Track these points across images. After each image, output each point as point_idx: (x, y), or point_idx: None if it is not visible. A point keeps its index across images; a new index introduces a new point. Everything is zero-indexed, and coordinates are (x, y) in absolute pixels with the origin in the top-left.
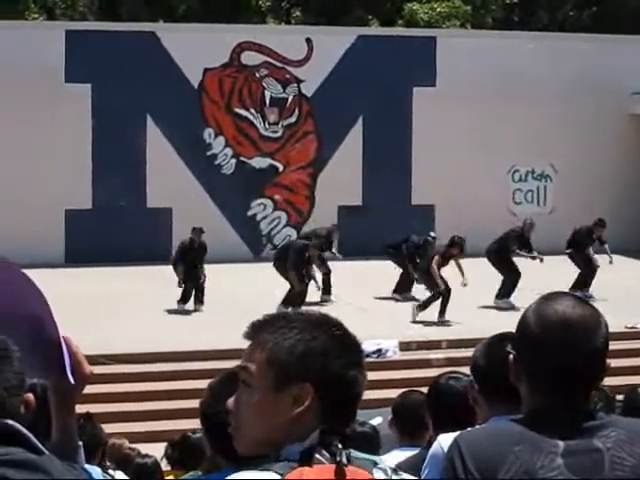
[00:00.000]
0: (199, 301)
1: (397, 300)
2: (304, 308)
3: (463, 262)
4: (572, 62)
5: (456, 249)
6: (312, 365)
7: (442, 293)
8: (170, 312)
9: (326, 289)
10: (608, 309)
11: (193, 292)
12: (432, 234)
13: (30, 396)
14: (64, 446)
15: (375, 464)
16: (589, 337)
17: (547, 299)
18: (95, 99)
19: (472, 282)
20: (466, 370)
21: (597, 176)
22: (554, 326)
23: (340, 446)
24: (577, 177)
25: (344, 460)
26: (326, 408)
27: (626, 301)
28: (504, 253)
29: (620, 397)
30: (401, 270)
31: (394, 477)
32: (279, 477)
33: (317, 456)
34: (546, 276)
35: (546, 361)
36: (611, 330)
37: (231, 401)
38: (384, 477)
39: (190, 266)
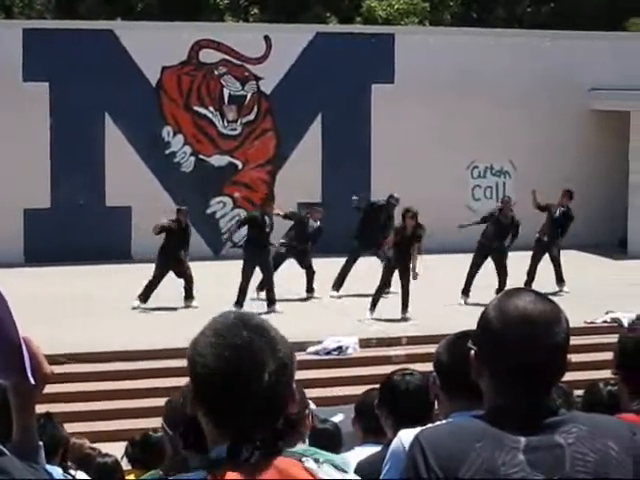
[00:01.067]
0: (189, 296)
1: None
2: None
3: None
4: (531, 58)
5: (410, 220)
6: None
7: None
8: (131, 310)
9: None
10: (567, 305)
11: (183, 287)
12: (395, 195)
13: None
14: (24, 447)
15: (302, 457)
16: (550, 333)
17: (508, 295)
18: (53, 98)
19: (430, 278)
20: (426, 366)
21: (557, 172)
22: (515, 322)
23: (258, 444)
24: (536, 173)
25: (253, 460)
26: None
27: (585, 297)
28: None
29: (580, 392)
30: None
31: (322, 466)
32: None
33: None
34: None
35: (507, 357)
36: (571, 325)
37: None
38: (314, 466)
39: (172, 254)
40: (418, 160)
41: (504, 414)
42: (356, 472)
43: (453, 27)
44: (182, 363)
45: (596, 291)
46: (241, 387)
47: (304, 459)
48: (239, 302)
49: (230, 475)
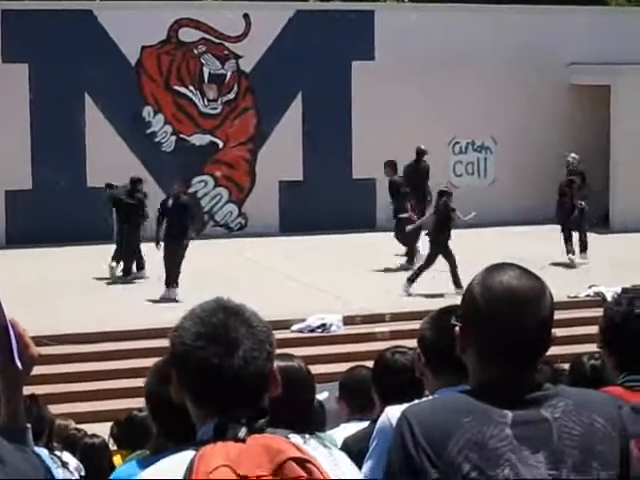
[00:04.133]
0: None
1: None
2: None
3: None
4: (511, 34)
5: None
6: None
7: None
8: (114, 291)
9: None
10: (551, 279)
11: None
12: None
13: None
14: (12, 429)
15: (288, 434)
16: (534, 308)
17: (492, 270)
18: (32, 79)
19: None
20: (410, 343)
21: (537, 147)
22: (499, 298)
23: (243, 421)
24: (518, 149)
25: (241, 435)
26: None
27: (568, 271)
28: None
29: (565, 367)
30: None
31: (309, 441)
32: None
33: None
34: (485, 250)
35: (492, 333)
36: (555, 300)
37: None
38: (300, 441)
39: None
40: (399, 136)
41: (490, 389)
42: (342, 449)
43: (433, 3)
44: (165, 343)
45: (579, 266)
46: (217, 363)
47: (290, 435)
48: None
49: (216, 449)
